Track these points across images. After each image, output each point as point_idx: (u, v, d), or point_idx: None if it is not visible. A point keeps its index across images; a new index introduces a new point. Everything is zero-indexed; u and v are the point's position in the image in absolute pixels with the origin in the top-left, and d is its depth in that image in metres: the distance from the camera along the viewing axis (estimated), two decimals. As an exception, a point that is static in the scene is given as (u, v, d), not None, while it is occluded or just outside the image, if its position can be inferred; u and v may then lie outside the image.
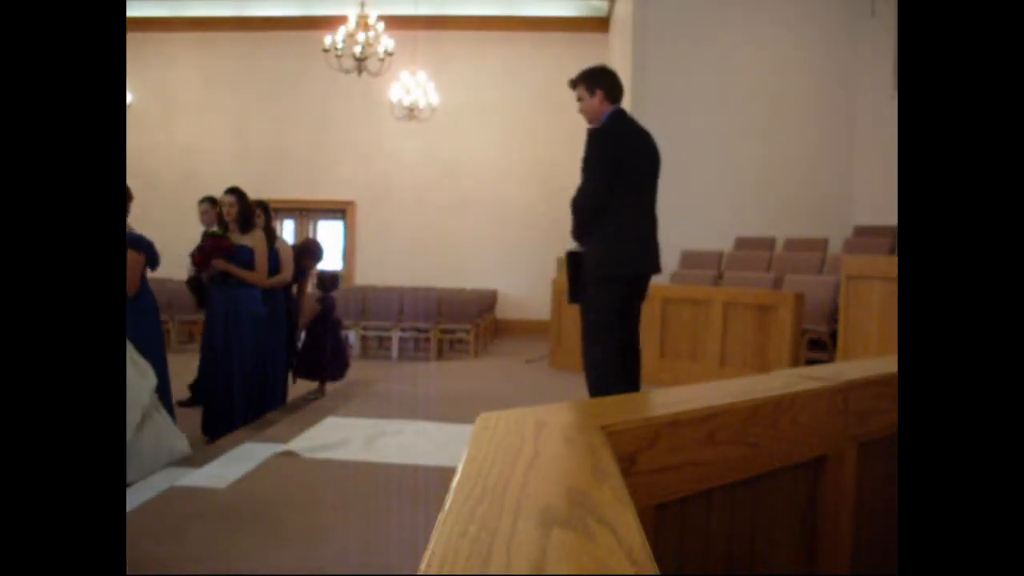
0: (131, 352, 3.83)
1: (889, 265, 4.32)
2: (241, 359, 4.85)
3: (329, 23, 9.44)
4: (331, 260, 10.30)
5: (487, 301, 10.62)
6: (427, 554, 0.55)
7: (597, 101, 3.68)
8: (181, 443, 4.03)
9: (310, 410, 5.46)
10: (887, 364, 1.70)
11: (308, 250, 6.02)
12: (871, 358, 2.91)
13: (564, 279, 3.91)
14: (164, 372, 4.36)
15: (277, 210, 9.40)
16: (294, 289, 5.84)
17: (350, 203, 11.91)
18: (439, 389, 6.63)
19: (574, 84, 3.75)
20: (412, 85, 10.30)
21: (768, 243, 8.25)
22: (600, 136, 3.64)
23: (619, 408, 1.18)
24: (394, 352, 8.97)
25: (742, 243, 8.35)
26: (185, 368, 5.82)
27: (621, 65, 8.15)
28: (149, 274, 4.66)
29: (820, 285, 6.58)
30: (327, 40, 8.55)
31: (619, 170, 3.58)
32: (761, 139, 8.43)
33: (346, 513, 3.29)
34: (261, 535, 2.99)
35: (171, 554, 2.79)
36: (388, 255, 11.70)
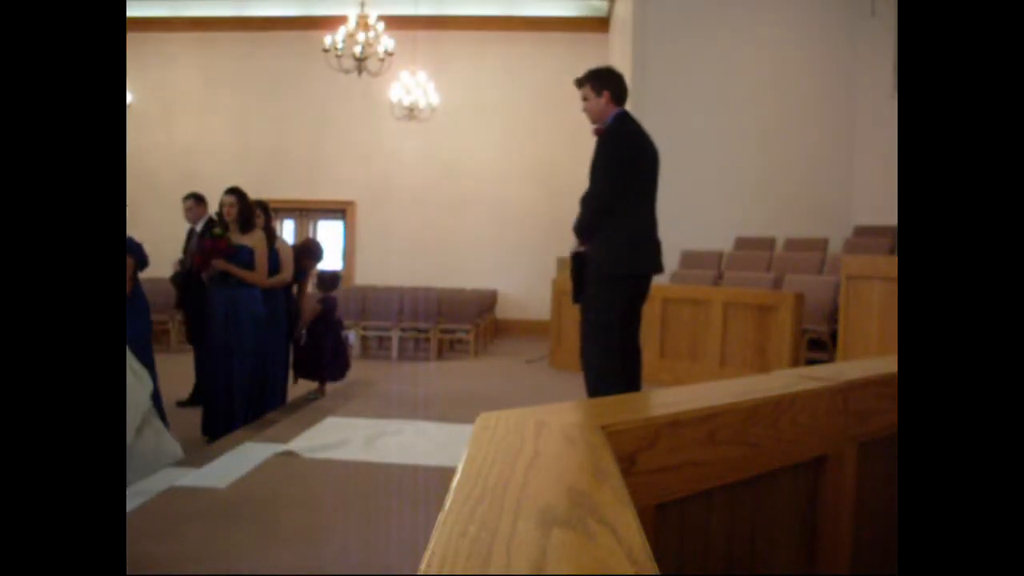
0: (129, 358, 3.82)
1: (889, 265, 4.32)
2: (241, 359, 4.85)
3: (329, 23, 9.44)
4: (331, 260, 10.29)
5: (487, 301, 10.62)
6: (427, 554, 0.55)
7: (603, 102, 3.69)
8: (176, 448, 4.03)
9: (310, 410, 5.46)
10: (887, 364, 1.70)
11: (308, 250, 6.02)
12: (871, 358, 2.90)
13: (564, 279, 3.91)
14: (153, 374, 4.35)
15: (277, 210, 9.41)
16: (294, 289, 5.84)
17: (350, 203, 11.90)
18: (439, 389, 6.63)
19: (580, 83, 3.75)
20: (412, 85, 10.30)
21: (768, 243, 8.24)
22: (611, 138, 3.64)
23: (619, 408, 1.18)
24: (394, 352, 8.98)
25: (742, 243, 8.35)
26: (185, 368, 5.82)
27: (621, 65, 8.11)
28: (141, 275, 4.65)
29: (820, 285, 6.58)
30: (327, 40, 8.55)
31: (630, 172, 3.59)
32: (761, 139, 8.42)
33: (346, 513, 3.29)
34: (261, 535, 2.99)
35: (171, 554, 2.79)
36: (388, 255, 11.69)
